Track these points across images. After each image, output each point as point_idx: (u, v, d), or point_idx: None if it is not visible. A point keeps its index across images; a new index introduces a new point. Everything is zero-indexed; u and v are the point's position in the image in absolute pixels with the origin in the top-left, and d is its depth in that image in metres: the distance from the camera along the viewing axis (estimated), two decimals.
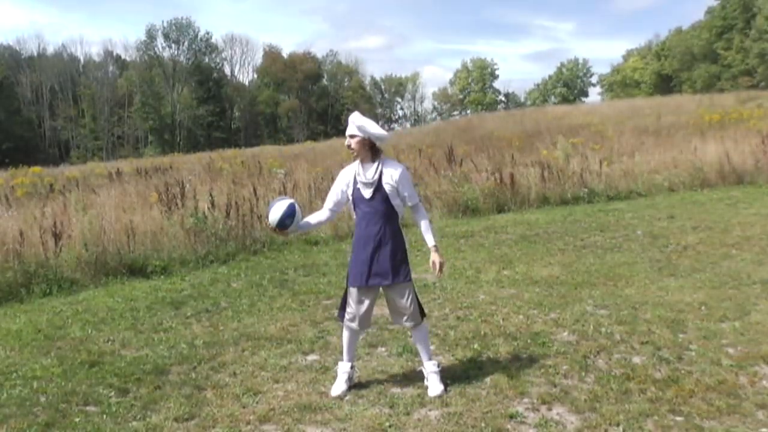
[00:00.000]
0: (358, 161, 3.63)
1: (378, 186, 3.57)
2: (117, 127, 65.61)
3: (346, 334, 3.80)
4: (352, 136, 3.54)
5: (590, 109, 30.95)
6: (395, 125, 77.98)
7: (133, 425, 3.41)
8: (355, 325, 3.72)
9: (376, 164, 3.58)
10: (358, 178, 3.61)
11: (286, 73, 69.77)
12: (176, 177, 13.21)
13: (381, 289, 3.69)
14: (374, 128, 3.54)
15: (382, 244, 3.59)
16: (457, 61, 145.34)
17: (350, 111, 3.97)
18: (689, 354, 4.07)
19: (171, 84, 66.67)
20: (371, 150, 3.58)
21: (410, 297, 3.65)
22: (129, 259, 7.30)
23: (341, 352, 3.86)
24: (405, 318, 3.68)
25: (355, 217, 3.72)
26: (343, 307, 3.79)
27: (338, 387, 3.71)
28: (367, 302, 3.68)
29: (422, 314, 3.76)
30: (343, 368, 3.77)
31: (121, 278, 7.05)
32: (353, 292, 3.68)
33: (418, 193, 3.72)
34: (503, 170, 11.49)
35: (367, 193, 3.58)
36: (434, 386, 3.65)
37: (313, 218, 3.78)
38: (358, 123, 3.51)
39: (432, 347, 4.12)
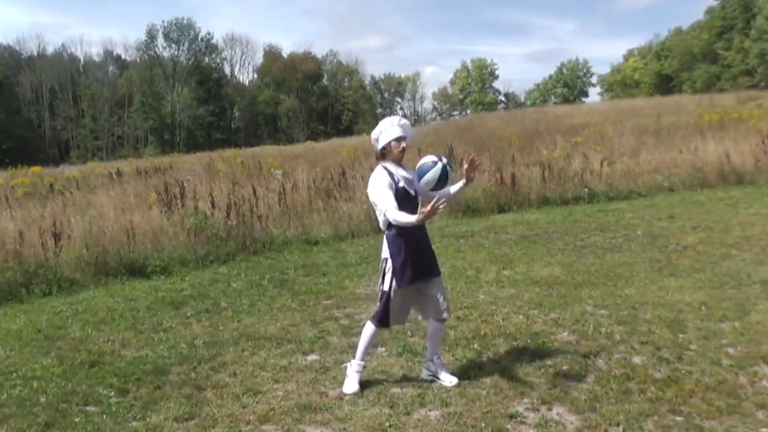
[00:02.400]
0: (385, 164, 3.67)
1: (415, 185, 3.70)
2: (117, 127, 65.59)
3: (371, 335, 3.78)
4: (405, 139, 3.69)
5: (590, 109, 30.91)
6: None
7: (133, 425, 3.41)
8: (394, 324, 3.81)
9: (404, 166, 3.74)
10: (400, 179, 3.65)
11: (286, 73, 69.73)
12: (176, 177, 13.21)
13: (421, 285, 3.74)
14: (410, 131, 3.78)
15: (428, 238, 3.78)
16: (457, 61, 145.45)
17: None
18: (689, 354, 4.07)
19: (171, 84, 66.68)
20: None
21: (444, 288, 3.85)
22: (129, 259, 7.30)
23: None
24: (444, 310, 3.77)
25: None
26: (384, 315, 3.71)
27: (352, 385, 3.72)
28: (411, 298, 3.75)
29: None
30: (357, 367, 3.78)
31: (121, 278, 7.05)
32: (403, 292, 3.66)
33: None
34: (504, 170, 11.49)
35: (412, 191, 3.68)
36: (450, 378, 3.77)
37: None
38: (406, 124, 3.71)
39: None
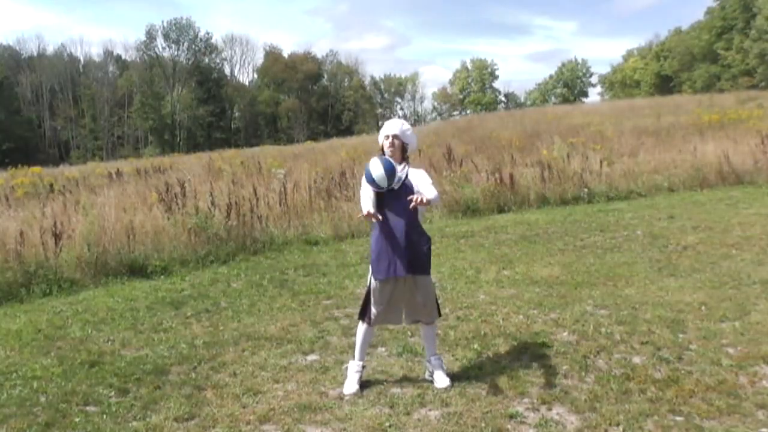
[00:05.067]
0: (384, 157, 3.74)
1: (406, 180, 3.69)
2: (117, 127, 65.64)
3: (361, 334, 3.82)
4: (395, 137, 3.76)
5: (590, 109, 30.91)
6: None
7: (133, 425, 3.41)
8: (381, 323, 3.81)
9: (403, 164, 3.77)
10: None
11: (286, 73, 69.75)
12: (177, 177, 13.21)
13: (404, 283, 3.70)
14: (414, 140, 3.87)
15: (414, 235, 3.67)
16: (457, 61, 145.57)
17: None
18: (689, 354, 4.07)
19: (171, 84, 66.70)
20: (402, 152, 3.80)
21: (433, 291, 3.82)
22: (129, 259, 7.30)
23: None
24: (426, 313, 3.77)
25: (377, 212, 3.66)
26: (365, 309, 3.79)
27: (351, 386, 3.72)
28: (394, 295, 3.72)
29: (439, 312, 3.90)
30: (356, 367, 3.80)
31: (121, 278, 7.04)
32: (381, 286, 3.68)
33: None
34: (503, 170, 11.48)
35: (395, 186, 3.66)
36: (441, 379, 3.72)
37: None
38: (405, 128, 3.83)
39: None
